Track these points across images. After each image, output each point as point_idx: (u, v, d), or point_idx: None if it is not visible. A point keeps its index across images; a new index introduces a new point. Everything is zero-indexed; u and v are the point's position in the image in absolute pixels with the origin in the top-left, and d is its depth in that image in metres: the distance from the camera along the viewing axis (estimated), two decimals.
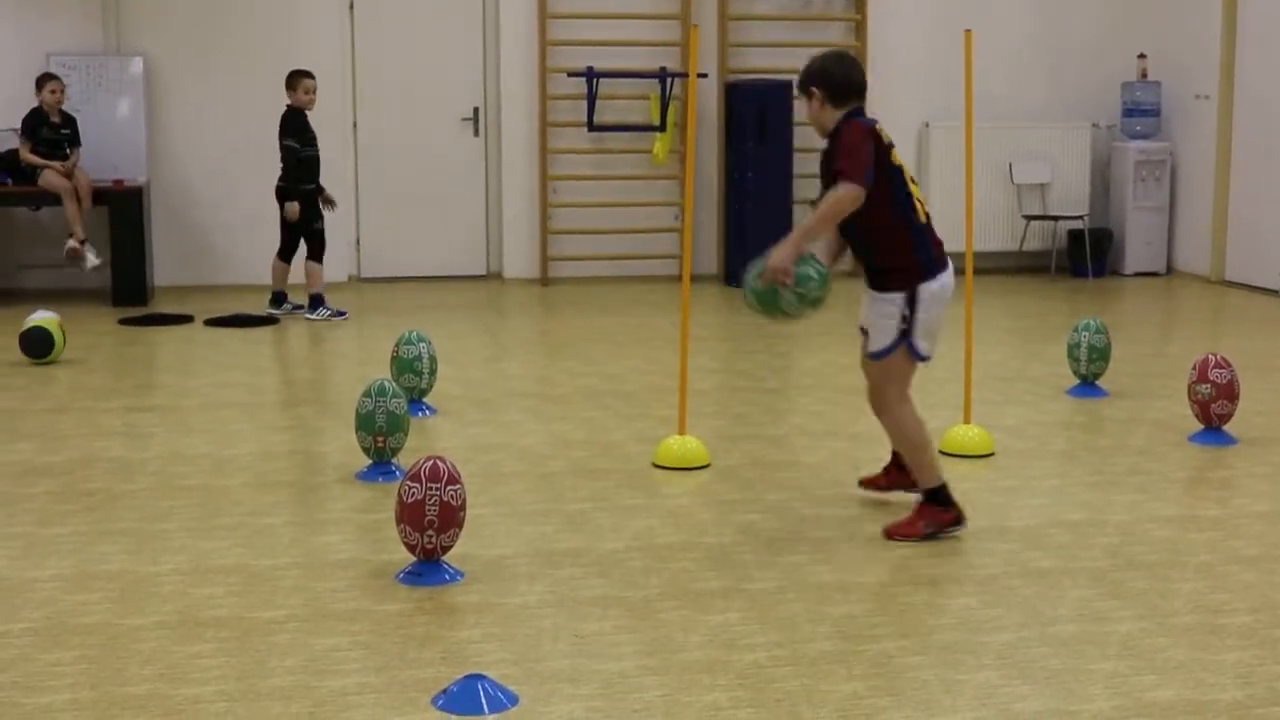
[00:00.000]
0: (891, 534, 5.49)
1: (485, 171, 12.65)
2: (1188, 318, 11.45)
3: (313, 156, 10.59)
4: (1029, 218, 12.98)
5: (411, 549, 4.97)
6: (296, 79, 10.60)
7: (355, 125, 12.34)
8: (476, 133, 12.59)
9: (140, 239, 11.15)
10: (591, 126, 12.30)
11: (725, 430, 7.19)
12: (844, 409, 7.71)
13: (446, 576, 4.98)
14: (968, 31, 6.66)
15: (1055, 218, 12.93)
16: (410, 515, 4.89)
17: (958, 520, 5.52)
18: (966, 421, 6.82)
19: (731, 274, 12.44)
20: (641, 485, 6.27)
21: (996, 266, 12.87)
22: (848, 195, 5.21)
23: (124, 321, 10.38)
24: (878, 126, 5.40)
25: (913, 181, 5.47)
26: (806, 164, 12.74)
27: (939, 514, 5.50)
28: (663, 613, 4.72)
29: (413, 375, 7.41)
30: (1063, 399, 7.95)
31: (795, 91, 5.59)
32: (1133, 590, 4.95)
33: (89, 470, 6.45)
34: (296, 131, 10.51)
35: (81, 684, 4.13)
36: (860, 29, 12.81)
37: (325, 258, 10.71)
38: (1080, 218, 12.96)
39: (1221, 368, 6.95)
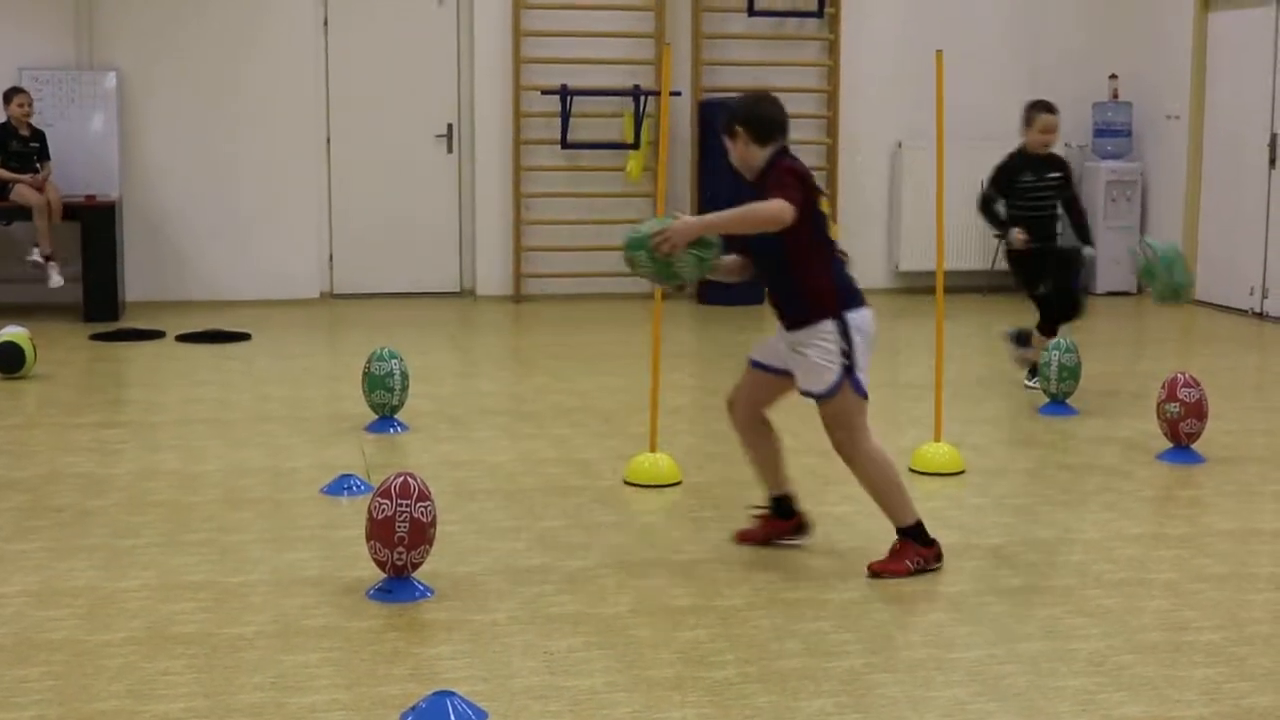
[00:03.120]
0: (878, 572, 5.27)
1: (459, 188, 12.64)
2: (1157, 337, 11.52)
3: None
4: (1000, 237, 13.00)
5: (381, 565, 4.96)
6: (1035, 113, 8.35)
7: (329, 141, 12.32)
8: (450, 150, 12.58)
9: (112, 254, 11.11)
10: (565, 144, 12.31)
11: (697, 447, 7.20)
12: (816, 428, 7.71)
13: (416, 593, 4.98)
14: (939, 51, 6.70)
15: None
16: (380, 532, 4.88)
17: (939, 556, 5.34)
18: (937, 439, 6.84)
19: (705, 292, 12.47)
20: (613, 502, 6.27)
21: (968, 285, 12.91)
22: (773, 207, 4.97)
23: (95, 337, 10.34)
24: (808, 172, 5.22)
25: (833, 223, 5.29)
26: None
27: (921, 550, 5.30)
28: (633, 629, 4.73)
29: (384, 392, 7.40)
30: (1033, 417, 7.99)
31: (722, 132, 5.30)
32: (1100, 608, 4.97)
33: (57, 485, 6.42)
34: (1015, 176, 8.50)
35: (48, 701, 4.11)
36: (833, 49, 12.86)
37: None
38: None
39: (1190, 386, 6.99)
